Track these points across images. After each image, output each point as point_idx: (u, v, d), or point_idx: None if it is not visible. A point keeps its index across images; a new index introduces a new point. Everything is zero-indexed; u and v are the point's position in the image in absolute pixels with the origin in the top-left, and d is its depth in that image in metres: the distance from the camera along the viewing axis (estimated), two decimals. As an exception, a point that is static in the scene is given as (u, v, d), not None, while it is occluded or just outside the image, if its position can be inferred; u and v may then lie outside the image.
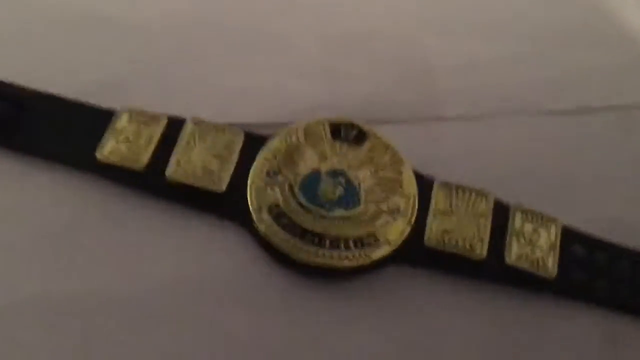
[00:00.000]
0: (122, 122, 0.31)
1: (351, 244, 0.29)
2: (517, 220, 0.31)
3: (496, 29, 0.39)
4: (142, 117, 0.32)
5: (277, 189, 0.30)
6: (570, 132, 0.36)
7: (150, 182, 0.30)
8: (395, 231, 0.29)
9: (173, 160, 0.30)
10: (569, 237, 0.31)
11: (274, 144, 0.32)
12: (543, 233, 0.30)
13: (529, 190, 0.33)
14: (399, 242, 0.29)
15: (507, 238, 0.30)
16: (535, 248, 0.30)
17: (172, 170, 0.30)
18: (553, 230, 0.30)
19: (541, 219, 0.31)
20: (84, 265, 0.29)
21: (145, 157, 0.30)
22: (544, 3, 0.40)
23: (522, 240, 0.30)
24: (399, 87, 0.37)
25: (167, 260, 0.30)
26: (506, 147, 0.35)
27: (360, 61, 0.37)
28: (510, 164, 0.35)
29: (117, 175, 0.31)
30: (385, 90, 0.36)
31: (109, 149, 0.31)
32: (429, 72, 0.38)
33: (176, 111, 0.32)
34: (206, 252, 0.30)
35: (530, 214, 0.31)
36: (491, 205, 0.31)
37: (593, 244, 0.31)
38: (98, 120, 0.31)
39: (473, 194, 0.31)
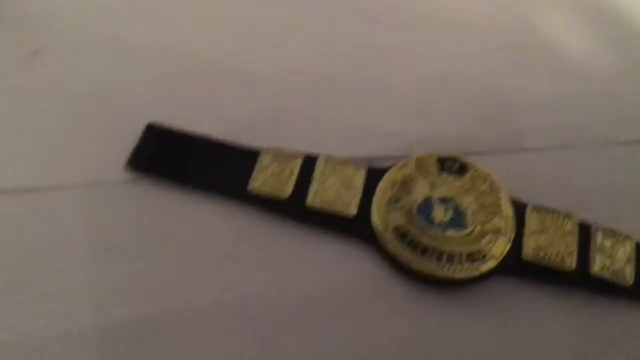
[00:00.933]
0: (266, 159, 0.38)
1: (464, 258, 0.35)
2: (598, 238, 0.37)
3: (567, 70, 0.45)
4: (283, 155, 0.38)
5: (398, 213, 0.37)
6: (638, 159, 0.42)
7: (293, 209, 0.37)
8: (498, 248, 0.36)
9: (311, 190, 0.37)
10: (643, 251, 0.37)
11: (391, 175, 0.38)
12: (620, 248, 0.37)
13: (605, 211, 0.39)
14: (502, 257, 0.36)
15: (591, 252, 0.36)
16: (615, 261, 0.36)
17: (311, 199, 0.37)
18: (629, 245, 0.37)
19: (618, 236, 0.37)
20: (244, 275, 0.36)
21: (288, 189, 0.37)
22: (609, 47, 0.46)
23: (604, 254, 0.36)
24: (486, 123, 0.43)
25: (309, 274, 0.36)
26: (582, 173, 0.41)
27: (453, 101, 0.44)
28: (586, 188, 0.41)
29: (266, 204, 0.37)
30: (474, 126, 0.43)
31: (259, 182, 0.37)
32: (511, 109, 0.44)
33: (305, 148, 0.39)
34: (341, 267, 0.36)
35: (609, 232, 0.37)
36: (576, 225, 0.37)
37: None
38: (247, 158, 0.38)
39: (561, 216, 0.37)
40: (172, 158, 0.39)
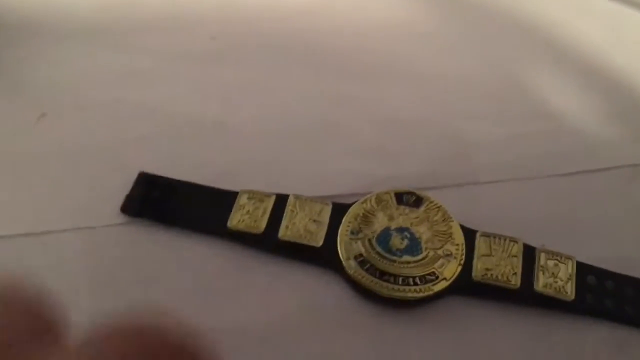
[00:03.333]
0: (243, 200, 0.43)
1: (418, 280, 0.40)
2: (541, 259, 0.41)
3: (514, 112, 0.51)
4: (257, 196, 0.43)
5: (359, 243, 0.41)
6: (581, 188, 0.47)
7: (267, 242, 0.42)
8: (450, 270, 0.40)
9: (283, 225, 0.42)
10: (583, 270, 0.41)
11: (354, 210, 0.43)
12: (562, 267, 0.41)
13: (550, 236, 0.43)
14: (453, 278, 0.40)
15: (535, 272, 0.40)
16: (557, 279, 0.40)
17: (283, 232, 0.42)
18: (570, 264, 0.41)
19: (560, 257, 0.41)
20: (225, 303, 0.40)
21: (262, 224, 0.42)
22: (550, 92, 0.52)
23: (546, 273, 0.40)
24: (442, 161, 0.48)
25: (282, 300, 0.41)
26: (528, 202, 0.46)
27: (412, 143, 0.49)
28: (533, 216, 0.45)
29: (243, 239, 0.42)
30: (431, 164, 0.48)
31: (236, 220, 0.42)
32: (465, 148, 0.49)
33: (278, 189, 0.44)
34: (311, 292, 0.41)
35: (551, 254, 0.41)
36: (521, 248, 0.41)
37: (603, 274, 0.41)
38: (225, 199, 0.43)
39: (507, 240, 0.41)
40: (161, 202, 0.44)
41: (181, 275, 0.41)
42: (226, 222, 0.42)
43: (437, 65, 0.55)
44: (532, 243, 0.41)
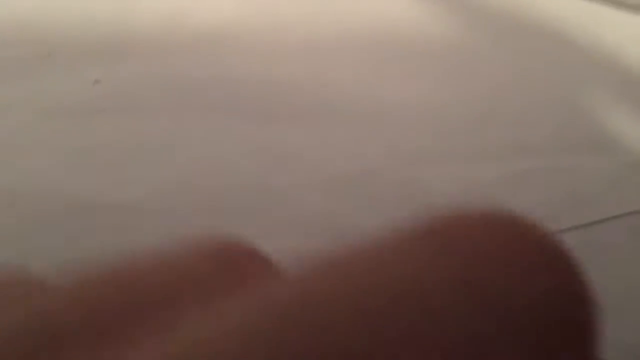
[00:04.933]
0: None
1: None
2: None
3: (488, 151, 0.40)
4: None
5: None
6: (587, 247, 0.36)
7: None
8: None
9: None
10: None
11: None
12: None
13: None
14: None
15: None
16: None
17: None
18: None
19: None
20: None
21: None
22: (541, 114, 0.41)
23: None
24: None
25: None
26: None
27: (363, 205, 0.37)
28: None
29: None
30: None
31: None
32: (430, 204, 0.38)
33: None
34: None
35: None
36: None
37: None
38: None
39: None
40: None
41: None
42: None
43: (389, 97, 0.43)
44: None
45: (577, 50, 0.46)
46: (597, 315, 0.09)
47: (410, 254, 0.09)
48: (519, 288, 0.09)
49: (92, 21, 0.48)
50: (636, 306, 0.33)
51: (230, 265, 0.10)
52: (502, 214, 0.10)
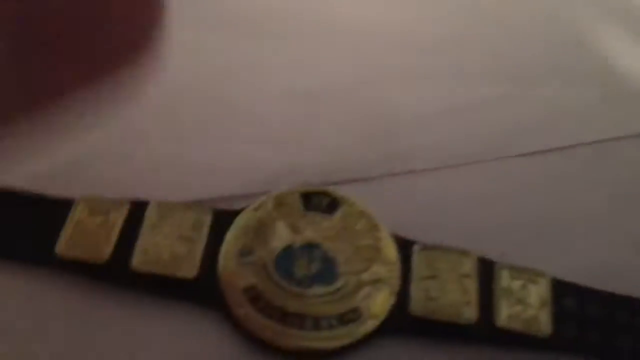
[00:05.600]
0: (80, 212, 0.30)
1: (334, 322, 0.27)
2: (503, 278, 0.29)
3: (459, 72, 0.38)
4: (101, 205, 0.30)
5: (251, 269, 0.28)
6: (545, 174, 0.35)
7: (114, 274, 0.28)
8: (379, 303, 0.28)
9: (138, 248, 0.29)
10: (560, 291, 0.29)
11: (243, 220, 0.30)
12: (532, 289, 0.29)
13: (511, 241, 0.32)
14: (384, 314, 0.28)
15: (495, 298, 0.29)
16: (526, 306, 0.29)
17: (138, 260, 0.28)
18: (543, 284, 0.29)
19: (529, 274, 0.29)
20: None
21: (107, 249, 0.29)
22: (510, 41, 0.39)
23: (512, 299, 0.29)
24: (365, 143, 0.35)
25: (140, 356, 0.27)
26: (481, 196, 0.34)
27: (323, 120, 0.36)
28: (487, 214, 0.33)
29: (79, 270, 0.28)
30: (351, 149, 0.35)
31: (68, 243, 0.29)
32: (394, 126, 0.37)
33: (138, 193, 0.31)
34: (180, 343, 0.28)
35: (517, 270, 0.30)
36: (475, 264, 0.29)
37: (584, 296, 0.30)
38: (54, 212, 0.30)
39: (455, 254, 0.30)
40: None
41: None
42: (54, 245, 0.28)
43: (358, 14, 0.41)
44: (489, 254, 0.29)
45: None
46: None
47: None
48: None
49: None
50: (591, 231, 0.33)
51: None
52: None
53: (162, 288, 0.28)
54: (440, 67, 0.38)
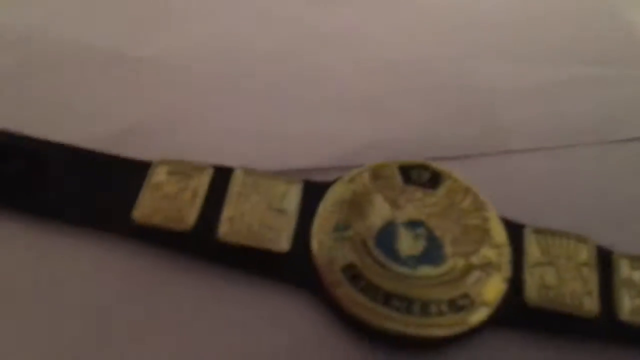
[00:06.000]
0: (159, 175, 0.27)
1: (444, 308, 0.24)
2: (623, 268, 0.26)
3: (561, 49, 0.35)
4: (183, 169, 0.27)
5: (348, 246, 0.25)
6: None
7: (200, 244, 0.26)
8: (491, 289, 0.25)
9: (224, 217, 0.26)
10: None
11: (337, 193, 0.27)
12: (656, 280, 0.26)
13: (623, 229, 0.29)
14: (497, 302, 0.25)
15: (616, 290, 0.26)
16: (650, 299, 0.26)
17: (225, 229, 0.25)
18: (666, 276, 0.26)
19: (651, 264, 0.26)
20: (133, 337, 0.24)
21: (191, 216, 0.26)
22: (612, 21, 0.37)
23: (633, 291, 0.26)
24: (456, 119, 0.33)
25: (227, 335, 0.25)
26: (583, 180, 0.31)
27: (412, 94, 0.33)
28: (590, 199, 0.31)
29: (160, 239, 0.26)
30: (441, 125, 0.32)
31: (148, 208, 0.26)
32: (487, 101, 0.34)
33: (218, 159, 0.28)
34: (272, 323, 0.25)
35: (637, 260, 0.27)
36: (593, 251, 0.26)
37: None
38: (131, 174, 0.27)
39: (571, 240, 0.27)
40: (22, 179, 0.27)
41: (59, 302, 0.24)
42: (131, 210, 0.25)
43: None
44: (601, 241, 0.27)
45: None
46: None
47: None
48: None
49: None
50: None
51: None
52: None
53: (251, 261, 0.26)
54: (535, 44, 0.35)
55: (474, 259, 0.26)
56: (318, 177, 0.28)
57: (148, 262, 0.26)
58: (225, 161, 0.28)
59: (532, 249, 0.26)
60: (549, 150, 0.32)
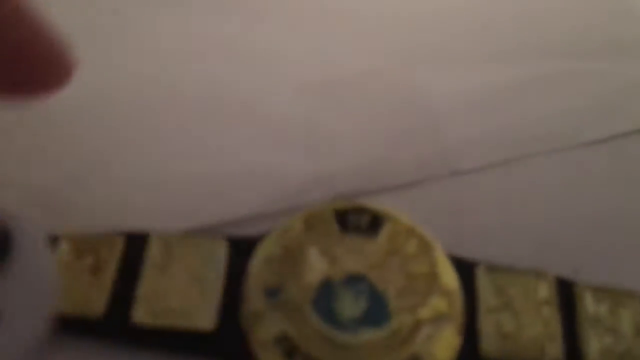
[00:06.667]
0: (63, 253, 0.23)
1: (392, 376, 0.22)
2: (588, 303, 0.24)
3: (499, 53, 0.32)
4: (89, 243, 0.24)
5: (281, 314, 0.23)
6: (614, 165, 0.30)
7: (113, 331, 0.22)
8: (444, 346, 0.23)
9: (139, 296, 0.23)
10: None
11: (267, 249, 0.24)
12: (623, 314, 0.24)
13: (589, 253, 0.26)
14: (451, 359, 0.22)
15: (581, 328, 0.23)
16: (619, 337, 0.23)
17: (140, 312, 0.22)
18: (634, 307, 0.24)
19: (617, 295, 0.24)
20: None
21: (102, 300, 0.23)
22: (561, 14, 0.33)
23: (600, 328, 0.23)
24: (401, 142, 0.30)
25: None
26: (543, 194, 0.29)
27: (349, 116, 0.30)
28: (551, 216, 0.28)
29: (71, 327, 0.23)
30: (385, 149, 0.29)
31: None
32: (431, 114, 0.31)
33: (131, 220, 0.25)
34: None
35: (602, 291, 0.24)
36: (554, 287, 0.24)
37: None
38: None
39: (528, 276, 0.24)
40: None
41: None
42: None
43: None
44: (562, 270, 0.24)
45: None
46: None
47: None
48: None
49: None
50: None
51: None
52: None
53: (174, 343, 0.23)
54: (479, 45, 0.32)
55: (423, 312, 0.23)
56: (248, 229, 0.25)
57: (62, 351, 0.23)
58: (139, 220, 0.25)
59: (486, 292, 0.24)
60: (502, 166, 0.29)
